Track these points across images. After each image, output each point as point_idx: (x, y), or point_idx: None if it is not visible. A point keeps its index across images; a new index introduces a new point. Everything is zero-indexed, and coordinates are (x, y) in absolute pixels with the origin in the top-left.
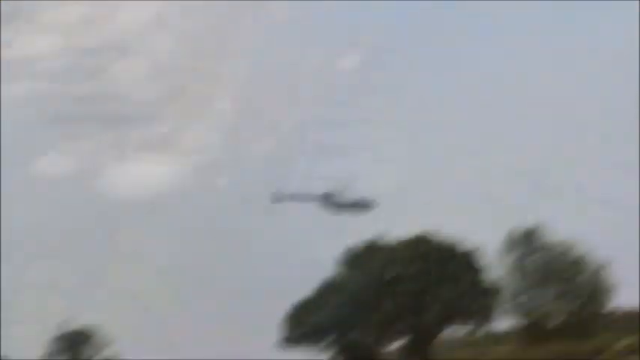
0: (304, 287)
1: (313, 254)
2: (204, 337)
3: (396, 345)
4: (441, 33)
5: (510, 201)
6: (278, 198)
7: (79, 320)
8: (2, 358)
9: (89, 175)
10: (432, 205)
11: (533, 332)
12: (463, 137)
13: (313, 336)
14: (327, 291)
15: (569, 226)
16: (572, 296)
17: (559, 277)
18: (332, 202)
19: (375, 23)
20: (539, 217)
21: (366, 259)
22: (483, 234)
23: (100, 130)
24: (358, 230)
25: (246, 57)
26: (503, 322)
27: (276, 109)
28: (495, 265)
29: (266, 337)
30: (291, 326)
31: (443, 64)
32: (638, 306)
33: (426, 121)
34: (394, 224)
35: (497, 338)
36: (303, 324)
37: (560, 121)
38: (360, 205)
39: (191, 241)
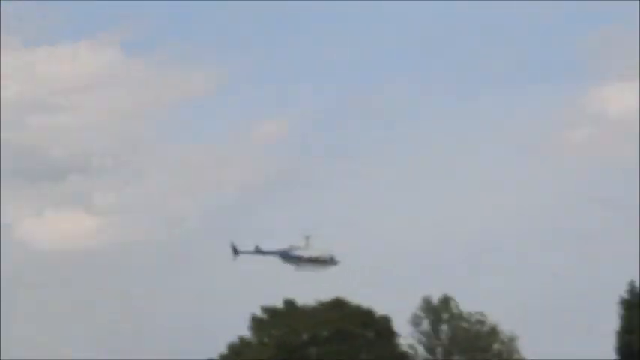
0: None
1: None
2: None
3: None
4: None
5: (427, 269)
6: (237, 251)
7: None
8: None
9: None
10: (348, 270)
11: None
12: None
13: None
14: (236, 352)
15: (482, 297)
16: None
17: (470, 346)
18: (293, 257)
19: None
20: (455, 287)
21: (279, 320)
22: (399, 300)
23: (21, 184)
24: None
25: (169, 124)
26: None
27: (198, 177)
28: (409, 331)
29: None
30: None
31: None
32: None
33: (352, 191)
34: (310, 287)
35: None
36: None
37: (478, 193)
38: (321, 261)
39: (104, 295)
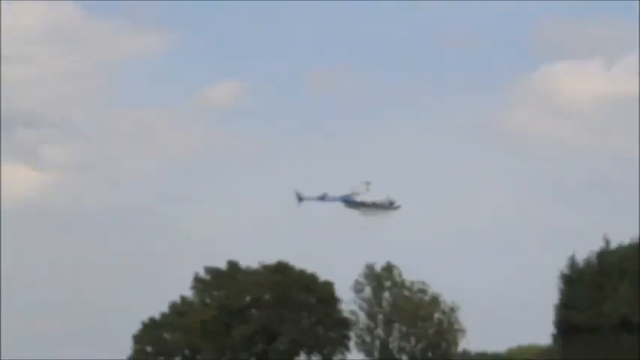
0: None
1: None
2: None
3: None
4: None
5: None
6: (302, 198)
7: None
8: None
9: None
10: (292, 236)
11: None
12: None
13: (162, 355)
14: (178, 312)
15: (423, 267)
16: (419, 337)
17: (408, 317)
18: (356, 202)
19: None
20: (399, 255)
21: (223, 281)
22: (342, 267)
23: None
24: None
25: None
26: (355, 355)
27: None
28: (351, 298)
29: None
30: (142, 343)
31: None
32: (485, 350)
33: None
34: (255, 251)
35: None
36: (153, 342)
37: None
38: (384, 206)
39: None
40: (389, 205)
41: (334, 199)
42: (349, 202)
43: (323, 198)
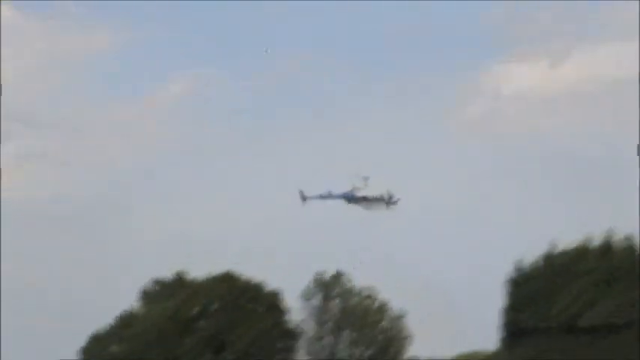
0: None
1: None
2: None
3: None
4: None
5: (317, 247)
6: (305, 197)
7: None
8: None
9: None
10: (239, 245)
11: None
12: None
13: None
14: (125, 324)
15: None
16: (368, 343)
17: (357, 323)
18: (358, 198)
19: None
20: (342, 265)
21: (169, 293)
22: (288, 276)
23: None
24: None
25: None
26: None
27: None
28: (298, 307)
29: None
30: (88, 356)
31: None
32: (432, 357)
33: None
34: (199, 263)
35: None
36: (99, 355)
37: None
38: (384, 200)
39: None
40: (389, 199)
41: (337, 197)
42: (351, 198)
43: (326, 196)
